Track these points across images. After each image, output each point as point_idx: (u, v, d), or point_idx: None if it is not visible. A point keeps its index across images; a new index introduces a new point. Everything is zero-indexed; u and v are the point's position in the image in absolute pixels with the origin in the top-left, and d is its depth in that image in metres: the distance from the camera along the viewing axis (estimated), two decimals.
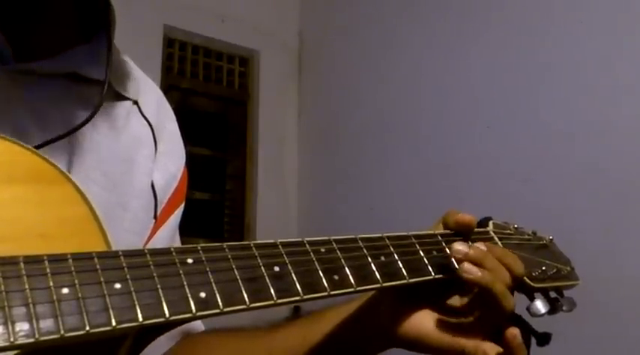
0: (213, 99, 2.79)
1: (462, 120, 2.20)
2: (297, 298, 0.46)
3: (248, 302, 0.44)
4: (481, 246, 0.59)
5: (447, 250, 0.59)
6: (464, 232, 0.62)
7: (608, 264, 1.66)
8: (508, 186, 1.95)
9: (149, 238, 0.67)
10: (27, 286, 0.38)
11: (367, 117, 2.57)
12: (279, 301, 0.45)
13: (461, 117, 2.21)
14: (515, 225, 0.70)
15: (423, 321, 0.59)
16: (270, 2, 2.91)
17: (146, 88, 0.73)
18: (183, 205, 0.74)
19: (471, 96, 2.19)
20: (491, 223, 0.67)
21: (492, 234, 0.66)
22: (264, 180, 2.77)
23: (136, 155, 0.68)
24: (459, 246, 0.58)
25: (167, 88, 2.53)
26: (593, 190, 1.78)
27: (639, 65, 1.76)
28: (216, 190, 2.72)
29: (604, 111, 1.81)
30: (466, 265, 0.56)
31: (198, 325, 0.73)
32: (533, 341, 0.61)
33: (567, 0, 1.97)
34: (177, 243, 0.74)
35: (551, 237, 0.71)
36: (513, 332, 0.57)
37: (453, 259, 0.58)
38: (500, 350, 0.57)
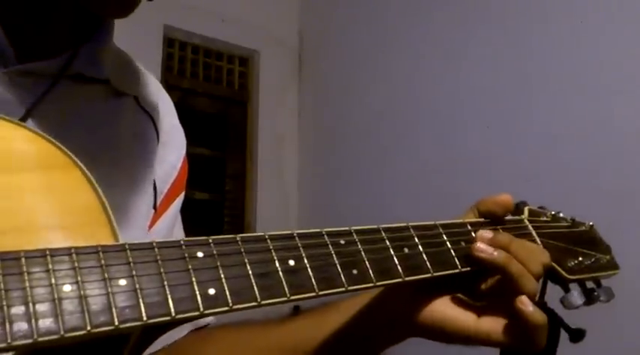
0: (213, 99, 2.78)
1: (462, 120, 2.19)
2: (312, 294, 0.44)
3: (259, 299, 0.42)
4: (506, 235, 0.55)
5: None
6: (499, 215, 0.58)
7: None
8: (508, 186, 1.92)
9: (149, 228, 0.67)
10: (27, 284, 0.36)
11: (367, 117, 2.56)
12: (293, 298, 0.43)
13: (461, 117, 2.20)
14: (553, 212, 0.65)
15: (447, 307, 0.55)
16: (270, 2, 2.90)
17: (145, 81, 0.73)
18: (183, 194, 0.73)
19: (470, 96, 2.18)
20: (526, 209, 0.63)
21: (527, 222, 0.61)
22: (263, 180, 2.76)
23: (137, 147, 0.67)
24: (484, 232, 0.54)
25: (167, 88, 2.51)
26: (593, 190, 1.77)
27: (639, 65, 1.76)
28: (215, 190, 2.71)
29: (604, 111, 1.80)
30: (479, 244, 0.53)
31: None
32: (564, 336, 0.57)
33: (567, 0, 1.96)
34: (177, 231, 0.73)
35: (591, 224, 0.67)
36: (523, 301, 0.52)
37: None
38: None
